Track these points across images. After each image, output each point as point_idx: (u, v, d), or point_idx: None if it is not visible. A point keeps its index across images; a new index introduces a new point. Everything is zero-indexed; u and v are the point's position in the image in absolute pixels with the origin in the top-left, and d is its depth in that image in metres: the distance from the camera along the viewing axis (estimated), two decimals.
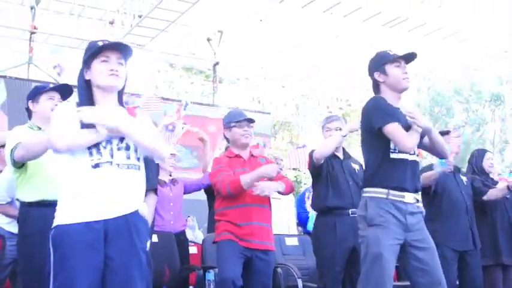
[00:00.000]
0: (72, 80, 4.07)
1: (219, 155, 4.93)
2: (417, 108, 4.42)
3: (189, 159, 11.13)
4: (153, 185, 4.18)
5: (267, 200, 4.48)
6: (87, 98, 2.88)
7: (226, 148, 4.82)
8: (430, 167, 5.04)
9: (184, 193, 6.13)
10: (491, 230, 5.40)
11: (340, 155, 5.02)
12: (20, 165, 3.81)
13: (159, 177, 5.49)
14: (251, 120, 4.56)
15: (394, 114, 3.66)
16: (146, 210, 3.32)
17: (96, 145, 2.74)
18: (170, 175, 5.95)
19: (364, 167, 4.06)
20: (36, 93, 4.04)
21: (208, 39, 14.60)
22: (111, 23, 13.70)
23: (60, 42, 14.30)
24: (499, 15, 13.30)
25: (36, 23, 12.74)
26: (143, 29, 13.73)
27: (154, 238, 5.44)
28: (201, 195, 6.38)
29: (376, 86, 3.87)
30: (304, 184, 15.32)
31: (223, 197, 4.37)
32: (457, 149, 5.23)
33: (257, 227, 4.32)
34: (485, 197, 5.37)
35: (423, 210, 3.82)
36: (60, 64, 11.96)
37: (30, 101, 4.07)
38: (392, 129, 3.61)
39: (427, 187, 4.94)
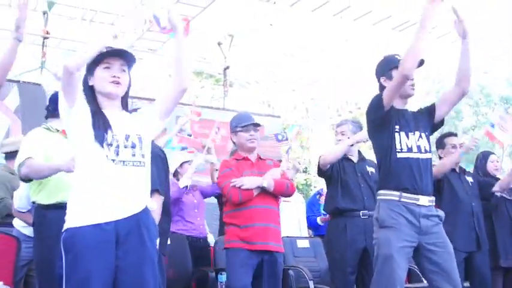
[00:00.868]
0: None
1: (228, 158, 4.92)
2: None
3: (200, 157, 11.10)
4: (155, 185, 4.20)
5: (274, 201, 4.48)
6: (92, 102, 2.90)
7: (233, 152, 4.83)
8: None
9: (204, 197, 6.23)
10: (491, 233, 5.37)
11: (355, 158, 5.02)
12: (27, 180, 3.82)
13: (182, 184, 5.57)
14: (257, 125, 4.56)
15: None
16: (155, 205, 3.34)
17: (101, 142, 2.76)
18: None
19: (377, 168, 4.05)
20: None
21: (219, 44, 14.63)
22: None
23: (72, 47, 14.36)
24: (506, 19, 13.25)
25: (48, 28, 12.81)
26: (154, 34, 13.77)
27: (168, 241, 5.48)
28: (210, 199, 6.44)
29: (383, 89, 3.88)
30: (314, 187, 15.27)
31: (233, 203, 4.37)
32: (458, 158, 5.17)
33: (263, 228, 4.30)
34: (495, 188, 5.36)
35: (441, 213, 3.77)
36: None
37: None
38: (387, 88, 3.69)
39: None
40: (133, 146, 2.83)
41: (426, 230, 3.63)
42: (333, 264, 4.88)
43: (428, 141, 3.79)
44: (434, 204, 3.74)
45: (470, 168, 5.78)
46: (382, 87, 3.87)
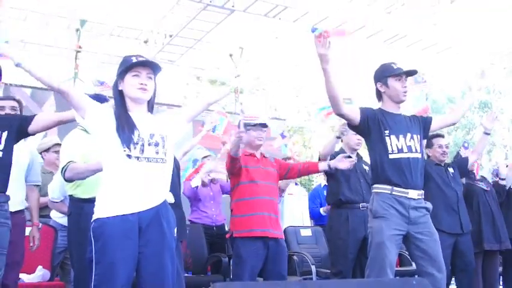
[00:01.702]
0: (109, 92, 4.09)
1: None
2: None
3: (214, 160, 11.13)
4: None
5: (275, 192, 4.47)
6: (121, 105, 2.91)
7: None
8: (428, 165, 5.04)
9: (223, 193, 6.28)
10: (477, 220, 5.36)
11: (354, 157, 5.02)
12: (69, 181, 3.82)
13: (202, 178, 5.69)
14: (265, 125, 4.55)
15: (367, 113, 3.74)
16: (172, 199, 3.34)
17: (128, 142, 2.75)
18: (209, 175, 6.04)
19: (370, 168, 4.05)
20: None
21: (230, 55, 14.64)
22: (146, 42, 13.79)
23: (101, 59, 14.43)
24: (486, 33, 13.20)
25: (80, 43, 12.86)
26: (173, 47, 13.80)
27: None
28: None
29: (379, 94, 3.88)
30: (316, 182, 15.25)
31: (231, 160, 4.27)
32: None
33: (267, 217, 4.26)
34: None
35: (429, 205, 3.77)
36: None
37: None
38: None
39: None
40: (156, 144, 2.83)
41: (415, 220, 3.63)
42: (336, 250, 4.85)
43: (420, 142, 3.78)
44: (423, 197, 3.73)
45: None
46: (378, 92, 3.87)
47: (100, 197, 2.81)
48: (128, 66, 2.88)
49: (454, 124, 4.32)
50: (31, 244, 4.16)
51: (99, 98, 4.05)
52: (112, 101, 3.81)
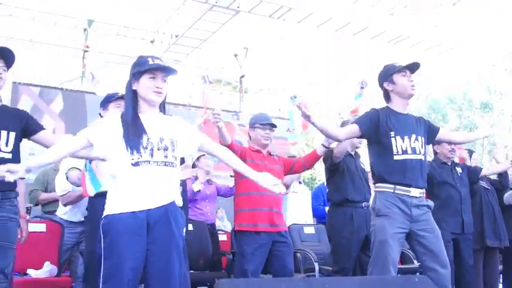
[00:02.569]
0: (107, 90, 4.07)
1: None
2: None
3: (214, 157, 11.07)
4: None
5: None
6: (132, 106, 2.87)
7: None
8: (435, 163, 5.06)
9: (218, 195, 6.39)
10: (479, 218, 5.36)
11: (353, 154, 5.00)
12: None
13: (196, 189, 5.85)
14: (274, 125, 4.51)
15: (368, 122, 3.76)
16: (181, 203, 3.32)
17: (137, 147, 2.73)
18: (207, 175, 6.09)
19: (370, 167, 4.01)
20: (106, 101, 3.99)
21: (235, 55, 14.68)
22: (152, 42, 13.82)
23: (108, 58, 14.46)
24: (488, 34, 13.19)
25: (88, 43, 12.91)
26: (179, 47, 13.83)
27: (190, 227, 5.50)
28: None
29: (386, 94, 3.86)
30: (319, 181, 15.24)
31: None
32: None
33: (271, 213, 4.21)
34: (484, 171, 5.43)
35: (430, 203, 3.77)
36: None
37: (101, 108, 4.03)
38: (350, 125, 3.88)
39: None
40: (165, 149, 2.80)
41: (417, 218, 3.62)
42: (338, 249, 4.81)
43: (424, 144, 3.77)
44: (424, 195, 3.72)
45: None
46: (385, 91, 3.85)
47: (110, 195, 2.80)
48: (147, 69, 2.83)
49: (459, 144, 4.59)
50: (19, 236, 4.12)
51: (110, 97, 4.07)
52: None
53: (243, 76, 14.89)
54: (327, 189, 5.10)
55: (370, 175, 4.23)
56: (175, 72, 2.91)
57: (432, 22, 12.56)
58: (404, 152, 3.66)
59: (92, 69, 13.52)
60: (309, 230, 6.17)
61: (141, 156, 2.73)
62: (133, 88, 2.87)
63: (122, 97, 3.80)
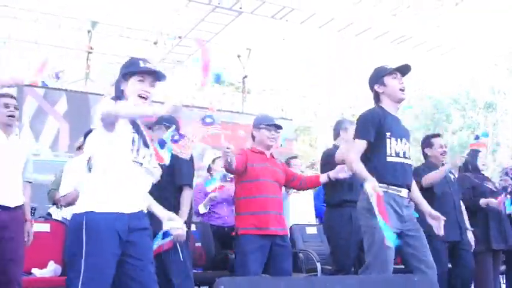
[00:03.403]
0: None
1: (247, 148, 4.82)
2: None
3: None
4: (181, 181, 4.13)
5: (280, 191, 4.43)
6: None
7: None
8: (427, 168, 5.02)
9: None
10: (484, 221, 5.35)
11: None
12: None
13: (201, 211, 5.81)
14: (279, 127, 4.48)
15: (371, 130, 3.66)
16: (160, 210, 3.16)
17: (137, 147, 2.74)
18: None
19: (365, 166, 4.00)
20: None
21: (238, 56, 14.71)
22: (155, 43, 13.86)
23: (111, 60, 14.51)
24: (490, 34, 13.20)
25: (91, 44, 12.96)
26: (182, 48, 13.87)
27: (192, 227, 5.53)
28: None
29: (377, 97, 3.85)
30: None
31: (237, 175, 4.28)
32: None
33: (274, 216, 4.19)
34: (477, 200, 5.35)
35: (413, 204, 3.81)
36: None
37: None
38: (356, 144, 3.69)
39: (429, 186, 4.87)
40: (150, 155, 2.83)
41: (406, 218, 3.64)
42: (337, 250, 4.82)
43: (409, 149, 3.81)
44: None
45: None
46: (376, 94, 3.85)
47: (92, 189, 2.70)
48: (135, 72, 2.82)
49: None
50: (25, 239, 4.15)
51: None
52: None
53: (245, 77, 14.92)
54: (324, 191, 5.09)
55: None
56: (164, 78, 2.89)
57: (435, 22, 12.57)
58: (397, 154, 3.67)
59: (96, 71, 13.58)
60: (311, 230, 6.18)
61: (137, 156, 2.74)
62: (122, 88, 2.86)
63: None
